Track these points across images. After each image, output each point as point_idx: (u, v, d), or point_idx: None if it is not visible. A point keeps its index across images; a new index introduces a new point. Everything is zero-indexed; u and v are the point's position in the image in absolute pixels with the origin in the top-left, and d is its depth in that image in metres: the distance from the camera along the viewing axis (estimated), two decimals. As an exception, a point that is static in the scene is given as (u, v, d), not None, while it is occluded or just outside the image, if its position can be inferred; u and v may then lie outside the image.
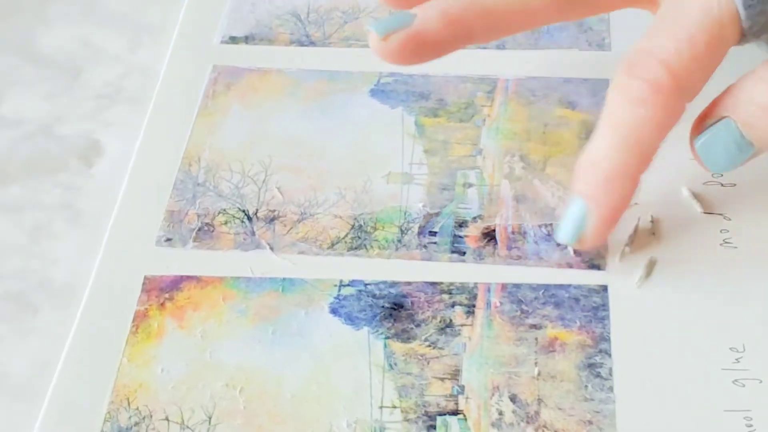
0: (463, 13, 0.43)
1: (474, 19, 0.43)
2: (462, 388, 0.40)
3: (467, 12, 0.43)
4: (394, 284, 0.44)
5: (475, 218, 0.46)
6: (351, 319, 0.43)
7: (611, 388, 0.40)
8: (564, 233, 0.43)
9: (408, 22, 0.43)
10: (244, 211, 0.47)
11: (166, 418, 0.40)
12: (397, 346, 0.42)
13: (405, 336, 0.42)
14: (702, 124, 0.42)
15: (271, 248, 0.45)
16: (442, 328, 0.42)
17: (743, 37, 0.41)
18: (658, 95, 0.40)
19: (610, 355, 0.41)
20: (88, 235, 0.47)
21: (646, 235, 0.45)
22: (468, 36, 0.44)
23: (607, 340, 0.41)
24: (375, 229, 0.46)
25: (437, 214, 0.46)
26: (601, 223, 0.42)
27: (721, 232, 0.45)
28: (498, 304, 0.43)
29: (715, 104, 0.42)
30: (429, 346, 0.42)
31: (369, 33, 0.43)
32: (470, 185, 0.47)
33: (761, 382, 0.40)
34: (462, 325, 0.42)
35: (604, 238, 0.43)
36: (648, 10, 0.45)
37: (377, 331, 0.42)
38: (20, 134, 0.52)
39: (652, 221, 0.45)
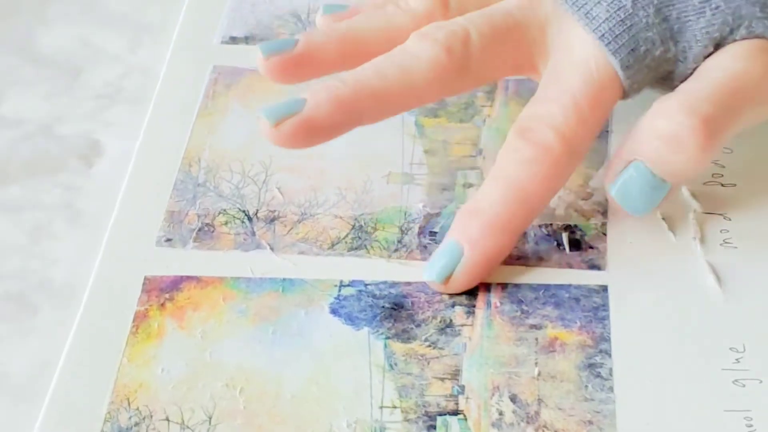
0: (353, 97, 0.43)
1: (363, 102, 0.43)
2: (462, 388, 0.40)
3: (357, 96, 0.43)
4: (394, 284, 0.44)
5: (475, 218, 0.46)
6: (351, 320, 0.43)
7: (611, 389, 0.40)
8: (433, 271, 0.43)
9: (299, 108, 0.43)
10: (244, 211, 0.47)
11: (167, 418, 0.40)
12: (397, 346, 0.42)
13: (405, 336, 0.42)
14: (613, 171, 0.43)
15: (272, 248, 0.45)
16: (442, 328, 0.42)
17: (625, 94, 0.44)
18: (547, 157, 0.42)
19: (610, 356, 0.41)
20: (88, 235, 0.47)
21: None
22: (358, 119, 0.44)
23: (608, 340, 0.41)
24: (375, 229, 0.46)
25: (437, 215, 0.46)
26: (474, 267, 0.43)
27: (721, 232, 0.45)
28: (498, 304, 0.43)
29: (621, 150, 0.43)
30: (429, 346, 0.42)
31: (259, 119, 0.43)
32: (470, 185, 0.47)
33: (761, 382, 0.40)
34: (462, 325, 0.42)
35: (473, 283, 0.43)
36: (532, 78, 0.46)
37: (377, 331, 0.42)
38: (20, 134, 0.52)
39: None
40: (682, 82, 0.43)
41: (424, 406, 0.40)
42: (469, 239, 0.43)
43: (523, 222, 0.43)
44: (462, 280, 0.43)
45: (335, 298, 0.43)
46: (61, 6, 0.58)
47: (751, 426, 0.39)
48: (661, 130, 0.41)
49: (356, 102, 0.43)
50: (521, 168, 0.42)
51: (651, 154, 0.42)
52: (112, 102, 0.53)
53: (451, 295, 0.43)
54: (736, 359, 0.40)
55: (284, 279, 0.44)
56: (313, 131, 0.43)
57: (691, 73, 0.43)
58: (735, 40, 0.43)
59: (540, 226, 0.45)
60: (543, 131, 0.42)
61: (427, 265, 0.43)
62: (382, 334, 0.42)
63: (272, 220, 0.47)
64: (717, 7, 0.43)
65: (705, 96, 0.42)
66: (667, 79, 0.44)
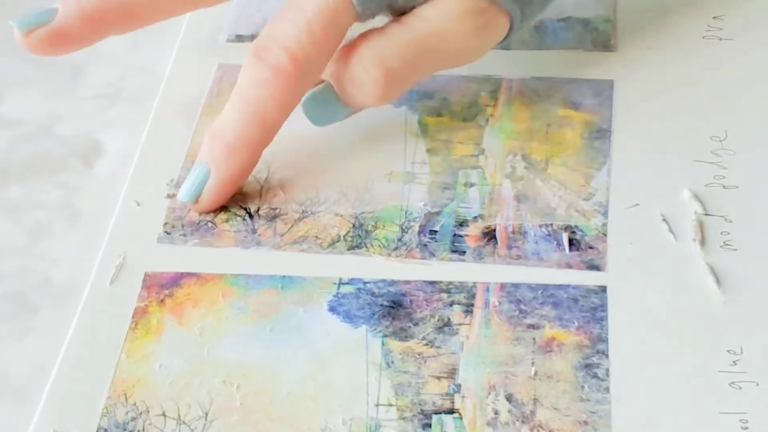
0: (100, 8, 0.47)
1: (110, 13, 0.47)
2: (458, 386, 0.40)
3: (104, 7, 0.47)
4: (393, 283, 0.44)
5: (475, 218, 0.46)
6: (349, 317, 0.43)
7: (607, 389, 0.40)
8: (184, 192, 0.46)
9: (49, 19, 0.47)
10: (245, 208, 0.47)
11: (163, 414, 0.40)
12: (394, 344, 0.42)
13: (403, 334, 0.42)
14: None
15: (272, 246, 0.46)
16: (440, 327, 0.42)
17: (360, 17, 0.46)
18: (280, 77, 0.45)
19: (607, 356, 0.41)
20: (88, 235, 0.47)
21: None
22: (107, 29, 0.48)
23: (605, 340, 0.41)
24: (375, 227, 0.46)
25: (438, 213, 0.46)
26: (219, 187, 0.46)
27: (721, 233, 0.45)
28: (496, 303, 0.43)
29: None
30: (426, 344, 0.42)
31: (13, 27, 0.47)
32: (472, 185, 0.47)
33: (758, 384, 0.40)
34: (460, 324, 0.42)
35: (220, 202, 0.47)
36: None
37: (375, 329, 0.42)
38: (20, 134, 0.52)
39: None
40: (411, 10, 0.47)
41: (419, 404, 0.40)
42: (213, 160, 0.46)
43: (262, 140, 0.46)
44: (209, 199, 0.46)
45: (334, 296, 0.44)
46: (60, 6, 0.58)
47: (746, 428, 0.38)
48: (352, 71, 0.46)
49: (103, 14, 0.47)
50: (256, 88, 0.45)
51: (339, 85, 0.47)
52: (112, 102, 0.53)
53: (450, 293, 0.43)
54: (734, 361, 0.40)
55: (283, 276, 0.44)
56: (61, 41, 0.47)
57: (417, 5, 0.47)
58: None
59: (540, 226, 0.45)
60: (276, 51, 0.45)
61: (181, 189, 0.47)
62: (379, 332, 0.42)
63: (273, 217, 0.47)
64: None
65: (398, 48, 0.46)
66: (396, 9, 0.47)
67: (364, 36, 0.47)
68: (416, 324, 0.43)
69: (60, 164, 0.50)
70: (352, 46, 0.46)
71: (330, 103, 0.47)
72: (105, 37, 0.48)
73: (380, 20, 0.48)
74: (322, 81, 0.47)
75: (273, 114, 0.46)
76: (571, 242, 0.45)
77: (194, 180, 0.46)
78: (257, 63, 0.45)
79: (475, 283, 0.44)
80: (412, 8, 0.47)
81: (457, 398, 0.40)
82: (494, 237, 0.45)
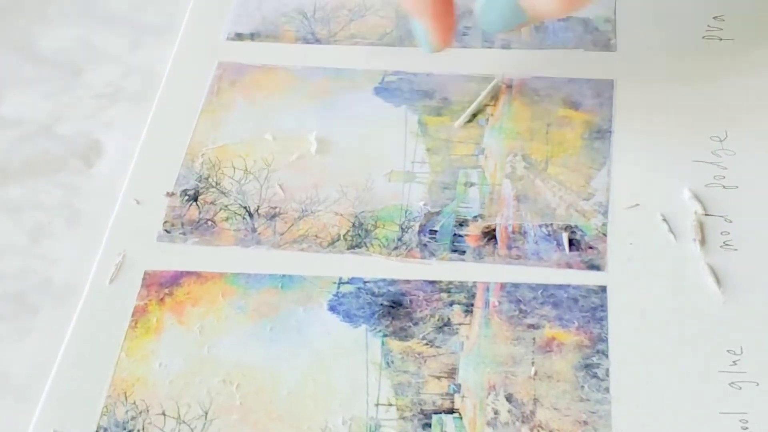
0: None
1: None
2: (458, 386, 0.40)
3: None
4: (393, 282, 0.44)
5: (475, 217, 0.46)
6: (349, 317, 0.43)
7: (607, 389, 0.40)
8: (423, 47, 0.46)
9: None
10: (245, 207, 0.47)
11: (163, 413, 0.40)
12: (394, 343, 0.42)
13: (403, 334, 0.42)
14: None
15: (272, 245, 0.46)
16: (439, 327, 0.42)
17: None
18: None
19: (607, 356, 0.41)
20: (87, 234, 0.47)
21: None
22: None
23: (605, 340, 0.41)
24: (375, 227, 0.46)
25: (438, 213, 0.46)
26: (437, 26, 0.45)
27: (721, 234, 0.45)
28: (496, 303, 0.43)
29: None
30: (426, 344, 0.42)
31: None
32: (472, 184, 0.47)
33: (758, 384, 0.40)
34: (460, 324, 0.42)
35: (449, 33, 0.46)
36: None
37: (375, 328, 0.42)
38: (20, 134, 0.52)
39: None
40: None
41: (419, 404, 0.40)
42: (413, 10, 0.45)
43: None
44: (438, 39, 0.46)
45: (334, 295, 0.44)
46: (61, 6, 0.58)
47: (746, 428, 0.39)
48: None
49: None
50: None
51: None
52: (112, 102, 0.53)
53: (450, 293, 0.43)
54: (734, 361, 0.40)
55: (283, 275, 0.44)
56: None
57: None
58: None
59: (540, 226, 0.45)
60: None
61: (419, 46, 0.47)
62: (379, 331, 0.42)
63: (273, 216, 0.47)
64: None
65: None
66: None
67: None
68: (416, 324, 0.43)
69: (60, 164, 0.50)
70: None
71: (508, 7, 0.44)
72: None
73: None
74: None
75: None
76: (571, 242, 0.45)
77: (419, 37, 0.46)
78: None
79: (475, 282, 0.44)
80: None
81: (457, 398, 0.40)
82: (494, 237, 0.45)
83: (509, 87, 0.51)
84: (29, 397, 0.41)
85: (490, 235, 0.45)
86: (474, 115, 0.50)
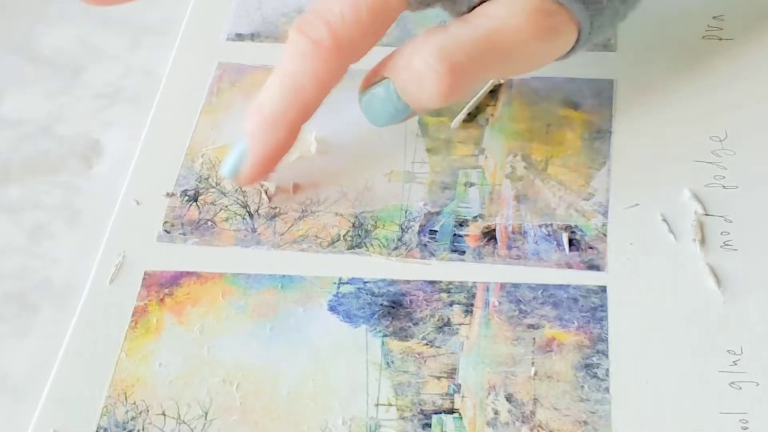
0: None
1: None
2: (458, 386, 0.40)
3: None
4: (393, 282, 0.44)
5: (475, 217, 0.46)
6: (349, 317, 0.43)
7: (607, 389, 0.40)
8: (225, 167, 0.46)
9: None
10: (245, 207, 0.47)
11: (163, 413, 0.40)
12: (394, 344, 0.42)
13: (403, 334, 0.42)
14: (367, 81, 0.45)
15: (272, 245, 0.46)
16: (439, 327, 0.42)
17: (410, 5, 0.45)
18: (319, 52, 0.44)
19: (607, 356, 0.41)
20: (87, 234, 0.47)
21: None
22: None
23: (605, 340, 0.41)
24: (375, 227, 0.46)
25: (438, 213, 0.46)
26: (257, 162, 0.45)
27: (721, 234, 0.45)
28: (496, 303, 0.43)
29: (380, 65, 0.45)
30: (426, 344, 0.42)
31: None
32: (472, 184, 0.47)
33: (758, 384, 0.40)
34: (460, 324, 0.42)
35: (258, 177, 0.46)
36: None
37: (375, 328, 0.42)
38: (20, 134, 0.52)
39: None
40: (467, 7, 0.45)
41: (419, 404, 0.40)
42: (251, 134, 0.45)
43: (299, 117, 0.45)
44: (246, 173, 0.46)
45: (334, 296, 0.44)
46: (61, 6, 0.58)
47: (746, 429, 0.39)
48: (414, 66, 0.43)
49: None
50: (295, 63, 0.44)
51: (400, 82, 0.44)
52: (112, 102, 0.53)
53: (450, 293, 0.43)
54: (734, 361, 0.40)
55: (283, 276, 0.44)
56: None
57: (476, 5, 0.45)
58: None
59: (540, 226, 0.45)
60: (318, 26, 0.44)
61: (222, 164, 0.46)
62: (379, 331, 0.42)
63: (273, 216, 0.47)
64: None
65: (464, 44, 0.43)
66: (453, 2, 0.46)
67: (426, 32, 0.44)
68: (416, 324, 0.43)
69: (60, 164, 0.50)
70: (414, 41, 0.44)
71: (389, 102, 0.45)
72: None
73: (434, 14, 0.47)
74: (383, 78, 0.45)
75: (310, 90, 0.44)
76: (571, 242, 0.45)
77: (234, 155, 0.46)
78: (298, 36, 0.44)
79: (475, 282, 0.44)
80: (471, 3, 0.45)
81: (456, 398, 0.40)
82: (494, 237, 0.45)
83: (509, 83, 0.51)
84: (29, 397, 0.41)
85: (490, 235, 0.45)
86: (470, 115, 0.50)
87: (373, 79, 0.45)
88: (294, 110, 0.45)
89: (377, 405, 0.40)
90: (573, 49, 0.46)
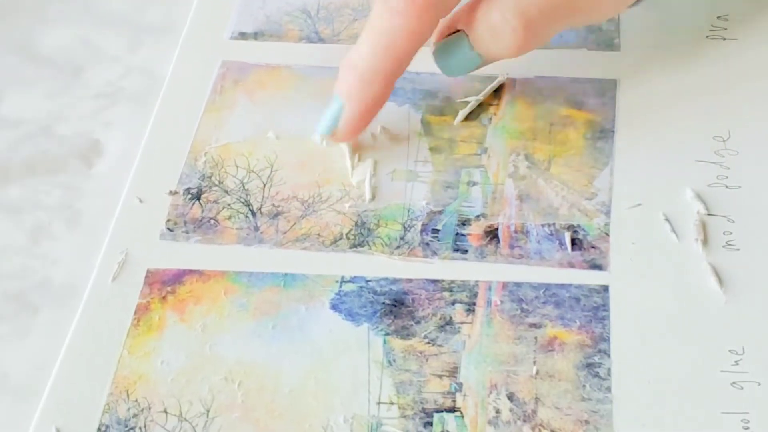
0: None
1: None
2: (460, 385, 0.41)
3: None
4: (395, 281, 0.44)
5: (478, 216, 0.46)
6: (351, 315, 0.43)
7: (609, 389, 0.40)
8: (321, 126, 0.48)
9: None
10: (248, 206, 0.47)
11: (165, 411, 0.40)
12: (396, 342, 0.42)
13: (405, 333, 0.42)
14: (441, 32, 0.47)
15: (274, 243, 0.46)
16: (441, 326, 0.42)
17: None
18: (413, 8, 0.45)
19: (609, 356, 0.41)
20: (88, 235, 0.47)
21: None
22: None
23: (607, 340, 0.41)
24: (378, 226, 0.46)
25: (441, 212, 0.46)
26: (355, 119, 0.47)
27: (724, 233, 0.45)
28: (498, 302, 0.43)
29: (455, 18, 0.47)
30: (428, 343, 0.42)
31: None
32: (474, 184, 0.47)
33: (760, 384, 0.40)
34: (462, 323, 0.42)
35: (355, 133, 0.48)
36: None
37: (377, 327, 0.42)
38: (20, 134, 0.52)
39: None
40: None
41: (421, 402, 0.40)
42: (347, 93, 0.47)
43: (394, 71, 0.46)
44: (344, 130, 0.47)
45: (336, 294, 0.44)
46: (61, 6, 0.58)
47: (748, 428, 0.38)
48: (490, 20, 0.45)
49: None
50: (388, 19, 0.45)
51: (475, 34, 0.46)
52: (112, 102, 0.53)
53: (452, 292, 0.43)
54: (735, 361, 0.40)
55: (285, 274, 0.44)
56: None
57: None
58: None
59: (542, 226, 0.45)
60: None
61: (317, 123, 0.48)
62: (381, 330, 0.42)
63: (276, 215, 0.47)
64: None
65: (538, 1, 0.45)
66: None
67: None
68: (418, 322, 0.43)
69: (60, 164, 0.50)
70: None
71: (463, 52, 0.47)
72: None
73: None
74: (457, 30, 0.47)
75: (404, 46, 0.45)
76: (573, 242, 0.45)
77: (330, 114, 0.47)
78: None
79: (477, 281, 0.44)
80: None
81: (458, 397, 0.40)
82: (496, 236, 0.45)
83: (513, 83, 0.51)
84: (29, 397, 0.41)
85: (492, 234, 0.45)
86: (472, 113, 0.50)
87: (447, 31, 0.47)
88: (388, 65, 0.46)
89: (379, 403, 0.40)
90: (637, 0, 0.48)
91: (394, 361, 0.41)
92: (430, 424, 0.39)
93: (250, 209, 0.47)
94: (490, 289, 0.43)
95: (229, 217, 0.47)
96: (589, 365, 0.41)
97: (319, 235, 0.46)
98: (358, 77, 0.46)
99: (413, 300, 0.43)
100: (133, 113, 0.52)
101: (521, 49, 0.46)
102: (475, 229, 0.46)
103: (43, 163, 0.50)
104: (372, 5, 0.46)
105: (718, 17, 0.54)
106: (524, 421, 0.39)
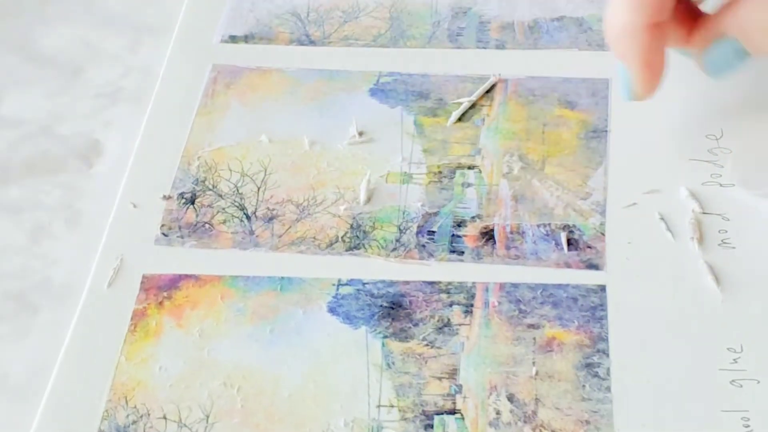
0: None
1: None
2: (459, 387, 0.40)
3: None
4: (392, 283, 0.44)
5: (473, 218, 0.46)
6: (349, 319, 0.43)
7: (608, 388, 0.40)
8: (622, 94, 0.45)
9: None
10: (243, 210, 0.47)
11: (164, 417, 0.40)
12: (394, 345, 0.42)
13: (403, 335, 0.42)
14: (705, 38, 0.46)
15: (270, 247, 0.45)
16: (440, 328, 0.42)
17: None
18: None
19: (607, 355, 0.41)
20: (88, 234, 0.47)
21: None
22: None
23: (605, 339, 0.41)
24: (373, 228, 0.46)
25: (436, 214, 0.46)
26: (641, 73, 0.45)
27: (719, 232, 0.45)
28: (496, 303, 0.43)
29: (717, 23, 0.45)
30: (427, 345, 0.42)
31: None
32: (469, 185, 0.47)
33: (759, 382, 0.40)
34: (460, 325, 0.42)
35: (654, 86, 0.45)
36: None
37: (375, 330, 0.42)
38: (20, 134, 0.52)
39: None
40: None
41: (421, 405, 0.40)
42: (621, 54, 0.45)
43: (652, 15, 0.44)
44: (641, 89, 0.45)
45: (333, 297, 0.43)
46: (61, 6, 0.58)
47: (748, 426, 0.39)
48: (761, 21, 0.44)
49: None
50: None
51: (750, 40, 0.44)
52: (112, 102, 0.53)
53: (450, 294, 0.43)
54: (734, 359, 0.40)
55: (282, 278, 0.44)
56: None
57: None
58: None
59: (538, 226, 0.45)
60: None
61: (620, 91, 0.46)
62: (379, 333, 0.42)
63: (271, 218, 0.47)
64: None
65: None
66: None
67: None
68: (416, 325, 0.42)
69: (60, 164, 0.50)
70: (755, 3, 0.44)
71: (736, 57, 0.45)
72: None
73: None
74: (722, 35, 0.45)
75: None
76: (569, 242, 0.45)
77: (621, 81, 0.45)
78: None
79: (474, 283, 0.44)
80: None
81: (458, 399, 0.40)
82: (492, 237, 0.45)
83: (505, 83, 0.51)
84: (28, 397, 0.41)
85: (488, 235, 0.45)
86: (465, 114, 0.50)
87: (711, 35, 0.45)
88: (643, 12, 0.44)
89: (379, 406, 0.40)
90: None
91: (393, 363, 0.41)
92: (431, 426, 0.39)
93: (244, 213, 0.47)
94: (487, 290, 0.43)
95: (224, 222, 0.47)
96: (588, 365, 0.41)
97: (314, 238, 0.46)
98: (621, 34, 0.44)
99: (411, 302, 0.43)
100: (133, 113, 0.52)
101: None
102: (471, 231, 0.45)
103: (43, 163, 0.50)
104: None
105: (708, 16, 0.54)
106: (525, 422, 0.39)
